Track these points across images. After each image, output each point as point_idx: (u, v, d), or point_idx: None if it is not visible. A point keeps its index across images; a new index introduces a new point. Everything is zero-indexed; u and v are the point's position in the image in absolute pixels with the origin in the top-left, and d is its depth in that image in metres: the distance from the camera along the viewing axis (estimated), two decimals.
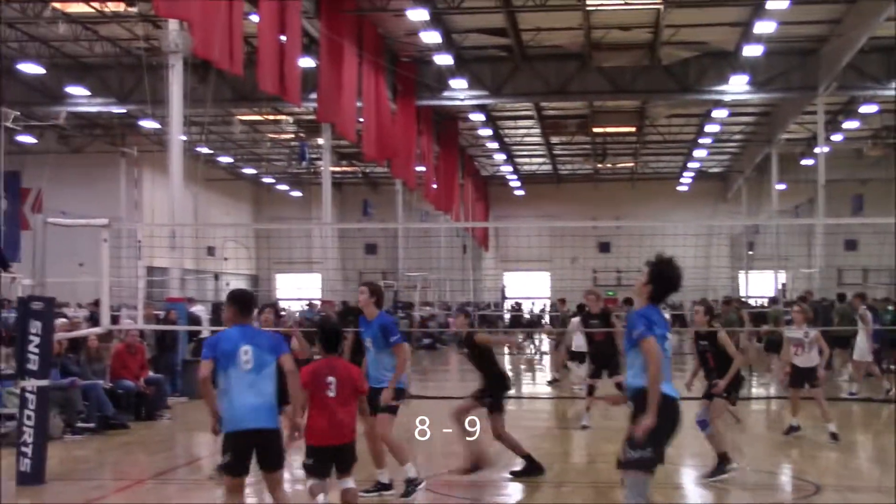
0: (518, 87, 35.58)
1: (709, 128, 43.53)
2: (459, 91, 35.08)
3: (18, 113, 33.81)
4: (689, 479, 12.32)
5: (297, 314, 33.56)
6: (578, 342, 24.98)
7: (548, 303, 48.34)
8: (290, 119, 41.86)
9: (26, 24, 30.32)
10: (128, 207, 39.26)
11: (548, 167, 56.90)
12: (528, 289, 57.01)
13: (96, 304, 22.21)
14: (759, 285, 49.01)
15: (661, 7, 28.76)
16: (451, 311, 46.03)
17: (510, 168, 55.28)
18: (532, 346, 37.77)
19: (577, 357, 24.65)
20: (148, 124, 37.68)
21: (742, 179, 54.10)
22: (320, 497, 8.87)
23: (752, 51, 31.15)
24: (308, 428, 8.77)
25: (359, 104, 29.92)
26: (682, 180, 58.29)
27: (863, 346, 21.46)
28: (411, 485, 10.67)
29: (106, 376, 17.12)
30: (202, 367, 8.15)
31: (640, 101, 39.65)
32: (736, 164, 55.68)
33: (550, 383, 25.66)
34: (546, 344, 37.67)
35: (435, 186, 42.53)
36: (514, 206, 60.50)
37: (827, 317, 25.74)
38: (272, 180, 56.88)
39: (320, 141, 37.91)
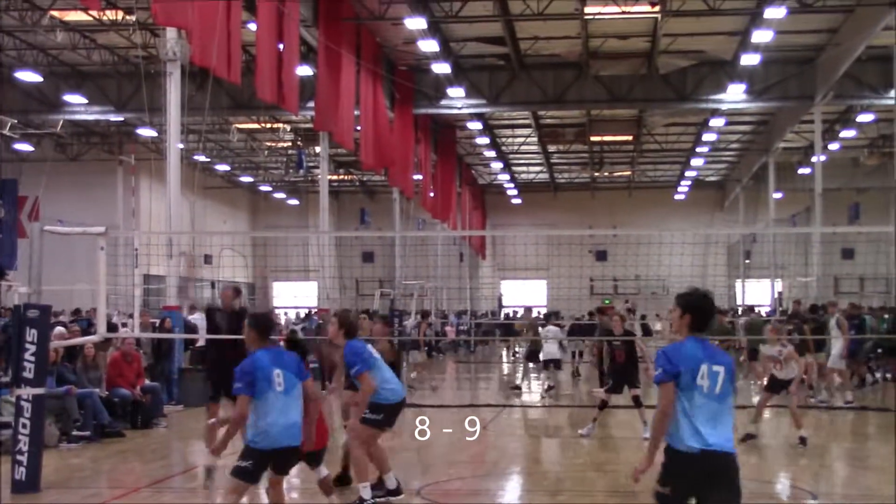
0: (516, 96, 35.62)
1: (706, 136, 43.58)
2: (457, 99, 35.10)
3: (16, 121, 33.90)
4: None
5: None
6: (550, 350, 25.14)
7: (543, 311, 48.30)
8: (288, 127, 41.87)
9: (24, 32, 30.34)
10: (125, 215, 39.25)
11: (545, 176, 56.94)
12: (525, 297, 56.99)
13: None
14: (756, 294, 49.01)
15: (659, 16, 28.79)
16: (447, 320, 46.08)
17: (507, 176, 55.32)
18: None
19: (551, 364, 24.86)
20: (145, 132, 37.71)
21: (739, 188, 54.15)
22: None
23: (750, 60, 31.20)
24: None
25: (356, 112, 29.93)
26: (679, 189, 58.32)
27: (836, 353, 21.62)
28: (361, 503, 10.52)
29: (102, 384, 17.10)
30: (242, 406, 8.52)
31: (637, 109, 39.70)
32: (733, 172, 55.74)
33: (513, 388, 25.69)
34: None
35: (432, 195, 42.54)
36: (511, 214, 60.52)
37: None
38: (269, 188, 56.89)
39: (318, 149, 37.86)
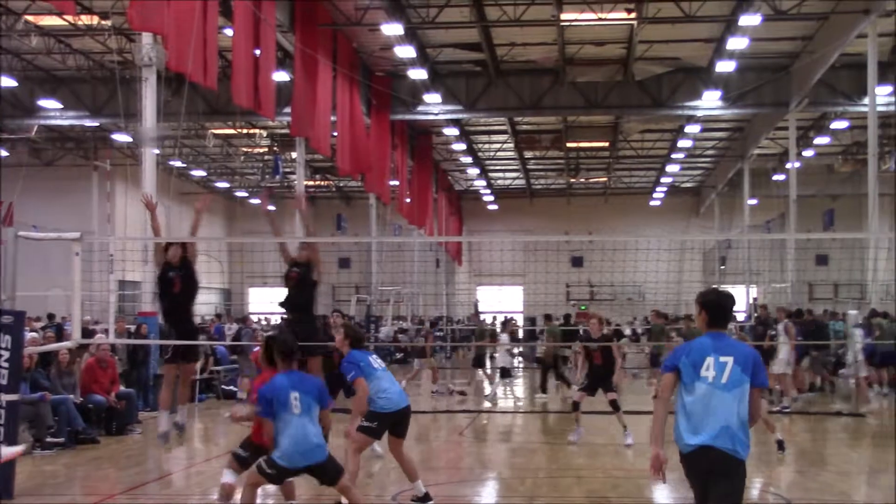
0: (492, 102, 35.66)
1: (681, 143, 43.75)
2: (434, 105, 35.13)
3: None
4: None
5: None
6: (505, 359, 25.27)
7: (521, 317, 48.40)
8: (264, 133, 41.81)
9: None
10: (100, 221, 39.05)
11: (521, 182, 57.03)
12: (502, 303, 57.00)
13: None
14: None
15: (635, 23, 28.90)
16: (423, 326, 46.06)
17: (484, 182, 55.37)
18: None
19: (505, 374, 24.99)
20: (121, 138, 37.56)
21: (714, 194, 54.37)
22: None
23: (725, 67, 31.36)
24: (255, 427, 9.52)
25: (333, 118, 29.91)
26: (654, 195, 58.50)
27: (782, 358, 21.89)
28: None
29: (76, 391, 17.01)
30: (267, 429, 9.06)
31: (613, 116, 39.84)
32: (708, 179, 55.96)
33: (459, 394, 25.69)
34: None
35: (408, 201, 42.54)
36: (487, 220, 60.58)
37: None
38: (245, 194, 56.74)
39: (294, 155, 37.84)
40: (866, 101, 29.62)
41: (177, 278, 12.97)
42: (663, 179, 54.59)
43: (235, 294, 56.57)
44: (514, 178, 56.47)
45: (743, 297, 46.03)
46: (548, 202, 60.01)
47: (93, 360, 17.51)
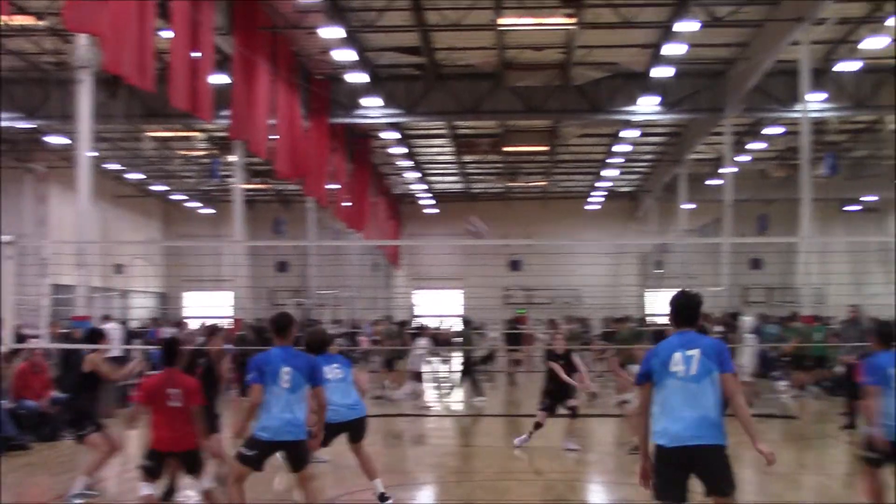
0: (431, 106, 35.69)
1: (619, 148, 44.04)
2: (373, 109, 35.10)
3: None
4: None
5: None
6: (417, 362, 25.38)
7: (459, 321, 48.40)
8: (202, 136, 41.50)
9: None
10: (34, 224, 38.60)
11: (460, 185, 57.12)
12: (440, 307, 57.05)
13: None
14: (667, 304, 49.57)
15: (573, 28, 29.08)
16: (360, 330, 45.97)
17: (423, 186, 55.38)
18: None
19: (417, 377, 25.08)
20: (56, 140, 37.10)
21: (651, 199, 54.78)
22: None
23: (662, 72, 31.67)
24: (153, 435, 9.69)
25: (271, 121, 29.77)
26: (592, 199, 58.82)
27: None
28: None
29: (8, 396, 16.77)
30: (255, 393, 9.31)
31: (551, 120, 39.99)
32: (645, 183, 56.38)
33: (378, 398, 25.72)
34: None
35: (347, 204, 42.44)
36: (426, 224, 60.55)
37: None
38: (183, 197, 56.28)
39: (232, 158, 37.60)
40: (800, 107, 30.03)
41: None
42: (601, 184, 54.89)
43: (171, 298, 56.08)
44: (453, 182, 56.55)
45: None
46: (486, 206, 59.99)
47: (25, 365, 17.29)
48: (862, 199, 53.45)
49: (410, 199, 60.05)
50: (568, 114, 36.94)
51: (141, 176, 50.07)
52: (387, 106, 35.23)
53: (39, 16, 27.21)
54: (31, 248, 20.80)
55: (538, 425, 16.32)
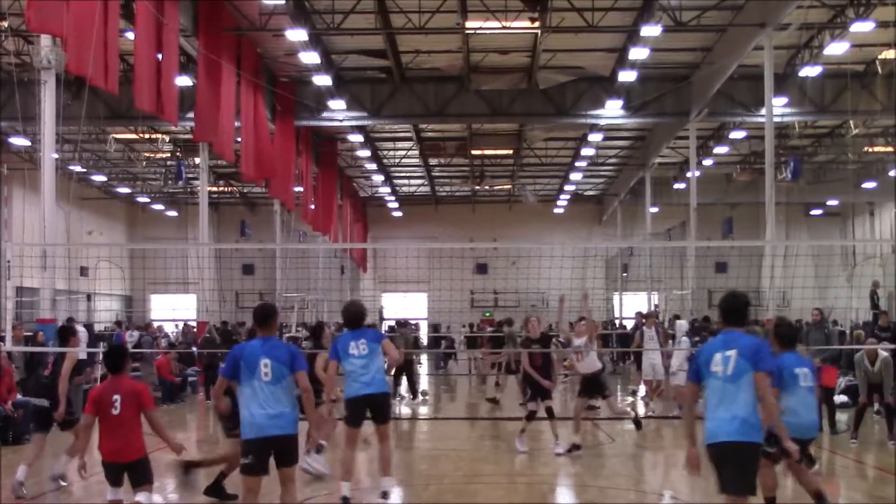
0: (397, 109, 35.68)
1: (584, 151, 44.14)
2: (338, 112, 35.05)
3: None
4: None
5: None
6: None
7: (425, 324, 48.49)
8: (167, 138, 41.32)
9: None
10: None
11: (426, 189, 57.14)
12: (406, 310, 56.99)
13: None
14: (633, 307, 49.86)
15: (538, 32, 29.17)
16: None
17: (388, 189, 55.34)
18: None
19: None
20: (18, 141, 36.81)
21: (617, 202, 54.97)
22: None
23: (627, 76, 31.81)
24: (99, 445, 9.46)
25: (237, 124, 29.69)
26: (558, 203, 58.96)
27: (646, 364, 22.50)
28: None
29: None
30: (219, 384, 9.39)
31: (517, 124, 40.04)
32: (611, 187, 56.56)
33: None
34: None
35: (313, 207, 42.36)
36: (392, 227, 60.54)
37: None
38: (147, 199, 55.98)
39: (197, 160, 37.44)
40: (763, 111, 30.24)
41: None
42: (567, 187, 55.02)
43: (137, 301, 55.77)
44: (419, 185, 56.57)
45: (644, 304, 46.69)
46: (452, 209, 60.18)
47: None
48: (826, 203, 53.86)
49: (377, 202, 60.01)
50: (533, 117, 37.03)
51: (105, 178, 49.77)
52: (352, 109, 35.19)
53: (1, 16, 27.00)
54: None
55: (530, 415, 16.39)
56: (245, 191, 55.29)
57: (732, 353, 7.71)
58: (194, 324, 34.92)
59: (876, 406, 19.30)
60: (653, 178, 46.18)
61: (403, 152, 47.51)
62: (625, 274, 53.44)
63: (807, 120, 37.69)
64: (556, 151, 47.29)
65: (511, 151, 45.86)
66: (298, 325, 41.88)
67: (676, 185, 49.18)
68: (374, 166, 47.89)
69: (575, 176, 51.13)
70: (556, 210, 59.61)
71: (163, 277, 45.25)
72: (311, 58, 29.59)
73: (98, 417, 9.48)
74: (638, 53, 29.30)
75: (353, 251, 53.99)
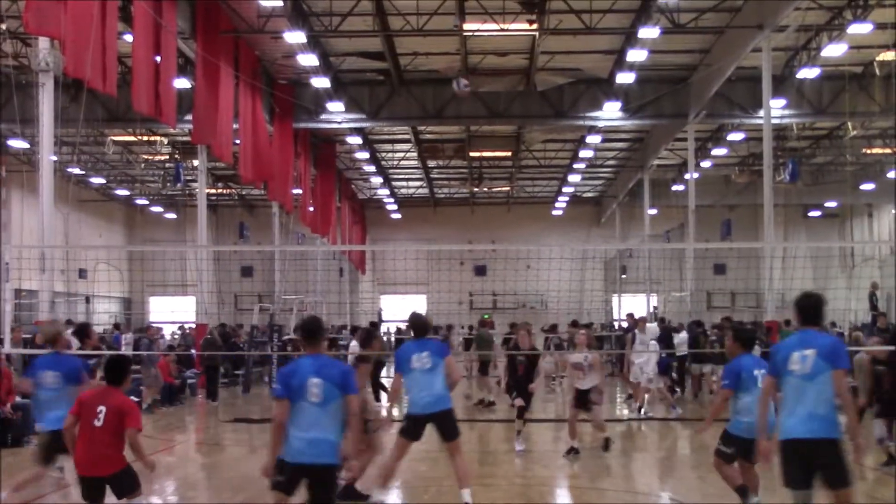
0: (395, 111, 35.68)
1: (583, 153, 44.16)
2: (337, 114, 35.05)
3: None
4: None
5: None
6: None
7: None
8: (165, 140, 41.31)
9: None
10: None
11: (424, 191, 57.14)
12: (405, 312, 56.96)
13: None
14: (631, 308, 49.86)
15: (536, 34, 29.17)
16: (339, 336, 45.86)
17: (387, 191, 55.35)
18: None
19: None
20: (17, 144, 36.82)
21: (615, 204, 54.97)
22: None
23: (625, 78, 31.82)
24: (75, 458, 9.09)
25: (235, 126, 29.69)
26: (556, 204, 58.98)
27: (643, 367, 22.52)
28: None
29: None
30: (278, 409, 8.14)
31: (515, 125, 40.07)
32: (609, 189, 56.60)
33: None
34: None
35: (312, 209, 42.35)
36: (390, 229, 60.56)
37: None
38: (146, 202, 55.97)
39: (196, 162, 37.47)
40: (761, 113, 30.24)
41: None
42: (565, 189, 55.03)
43: (136, 303, 55.78)
44: (418, 187, 56.57)
45: (643, 306, 46.70)
46: (451, 211, 60.21)
47: None
48: (824, 204, 53.89)
49: (375, 203, 60.02)
50: (532, 119, 37.04)
51: (103, 180, 49.77)
52: (350, 111, 35.19)
53: None
54: None
55: (520, 412, 16.49)
56: (244, 193, 55.31)
57: (811, 352, 7.97)
58: (192, 326, 34.91)
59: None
60: (651, 180, 46.19)
61: (402, 154, 47.53)
62: (623, 276, 53.45)
63: (805, 122, 37.70)
64: (554, 153, 47.32)
65: (509, 153, 45.85)
66: (297, 328, 41.88)
67: (675, 187, 49.20)
68: (372, 168, 47.92)
69: (573, 178, 51.16)
70: (555, 212, 59.64)
71: (161, 279, 45.39)
72: (309, 60, 29.59)
73: (79, 426, 9.11)
74: (636, 55, 29.31)
75: (351, 253, 53.98)
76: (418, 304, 57.21)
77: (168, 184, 48.26)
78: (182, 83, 28.12)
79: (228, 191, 54.22)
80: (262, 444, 18.05)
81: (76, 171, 42.20)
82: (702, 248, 39.06)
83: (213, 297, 36.33)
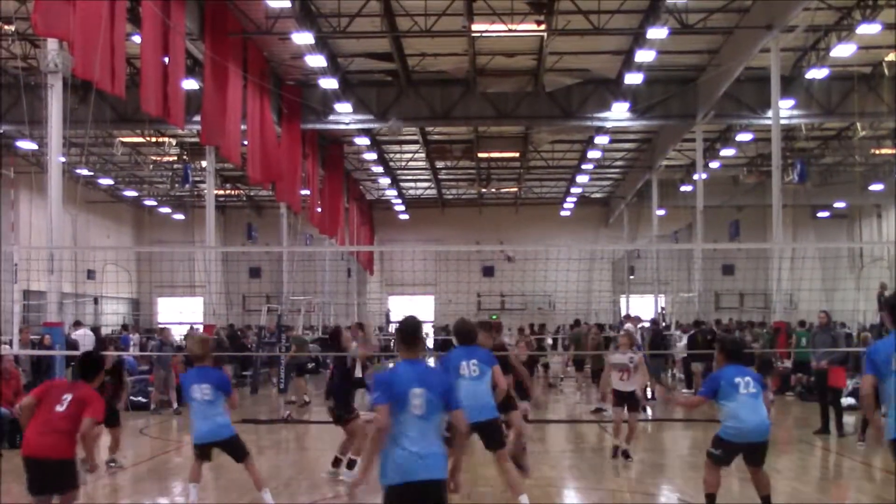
0: (403, 112, 35.68)
1: (591, 154, 44.14)
2: (345, 115, 35.07)
3: None
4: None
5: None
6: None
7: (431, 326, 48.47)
8: (174, 141, 41.34)
9: None
10: (4, 230, 38.32)
11: (432, 191, 57.15)
12: (413, 312, 56.95)
13: None
14: (639, 309, 49.83)
15: (545, 35, 29.15)
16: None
17: (395, 192, 55.38)
18: None
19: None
20: (26, 145, 36.88)
21: (623, 205, 54.95)
22: None
23: (633, 79, 31.77)
24: (25, 437, 9.07)
25: (243, 127, 29.71)
26: (564, 205, 58.93)
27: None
28: None
29: None
30: (381, 415, 7.13)
31: (523, 126, 40.05)
32: (617, 189, 56.56)
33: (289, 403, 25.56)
34: None
35: (320, 210, 42.36)
36: (398, 229, 60.58)
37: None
38: (154, 203, 56.05)
39: (204, 163, 37.50)
40: (770, 113, 30.21)
41: None
42: (573, 190, 55.02)
43: (144, 304, 55.85)
44: (426, 188, 56.57)
45: (651, 306, 46.66)
46: (459, 212, 60.21)
47: None
48: (833, 205, 53.79)
49: (383, 204, 60.05)
50: (539, 120, 37.02)
51: (112, 181, 49.83)
52: (358, 112, 35.21)
53: (8, 20, 27.04)
54: (1, 254, 20.67)
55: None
56: (252, 194, 55.38)
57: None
58: (200, 327, 34.93)
59: (883, 409, 19.27)
60: (659, 181, 46.13)
61: (410, 155, 47.56)
62: (631, 276, 53.42)
63: (813, 122, 37.61)
64: (562, 154, 47.29)
65: (517, 154, 45.85)
66: (306, 328, 41.90)
67: (683, 188, 49.15)
68: (380, 169, 47.93)
69: (581, 178, 51.12)
70: (563, 212, 59.58)
71: (169, 281, 45.39)
72: (317, 61, 29.61)
73: (39, 409, 9.06)
74: (644, 56, 29.28)
75: (359, 254, 53.99)
76: (426, 304, 57.35)
77: (176, 185, 48.34)
78: (190, 84, 28.16)
79: (237, 192, 54.28)
80: (269, 444, 18.13)
81: (85, 172, 42.32)
82: (710, 248, 39.02)
83: (222, 298, 36.36)
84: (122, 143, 41.02)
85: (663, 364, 27.58)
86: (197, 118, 28.77)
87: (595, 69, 33.89)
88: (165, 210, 57.27)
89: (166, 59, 23.60)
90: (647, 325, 33.11)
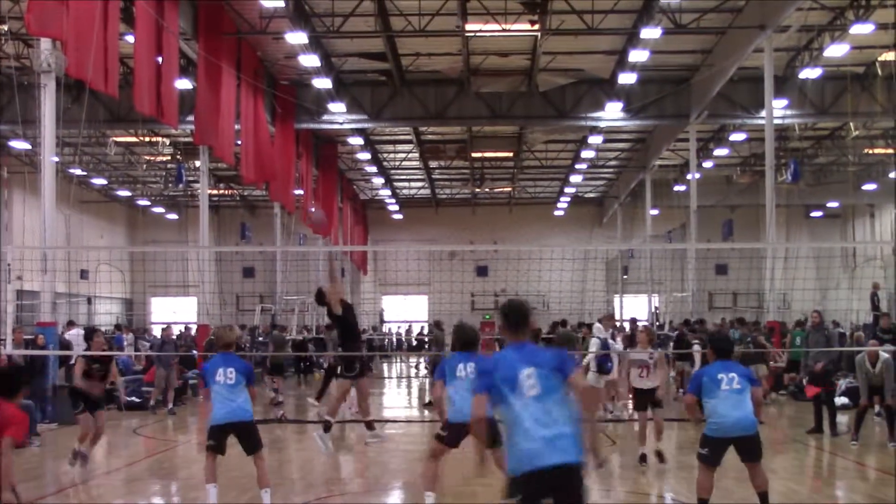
0: (397, 112, 35.68)
1: (584, 154, 44.16)
2: (339, 115, 35.05)
3: None
4: None
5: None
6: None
7: (426, 326, 48.44)
8: (167, 141, 41.30)
9: None
10: None
11: (426, 191, 57.13)
12: (407, 312, 57.06)
13: None
14: (633, 309, 49.88)
15: (538, 34, 29.17)
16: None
17: (389, 192, 55.35)
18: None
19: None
20: (19, 145, 36.84)
21: (617, 204, 54.96)
22: None
23: (627, 79, 31.82)
24: None
25: (237, 127, 29.69)
26: (558, 205, 58.96)
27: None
28: None
29: None
30: (478, 404, 6.73)
31: (517, 126, 40.06)
32: (611, 189, 56.57)
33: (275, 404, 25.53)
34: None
35: (313, 210, 42.28)
36: (392, 229, 60.56)
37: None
38: (147, 203, 55.98)
39: (197, 163, 37.48)
40: (763, 113, 30.24)
41: None
42: (567, 189, 55.02)
43: (137, 304, 55.76)
44: (420, 188, 56.56)
45: (645, 306, 46.71)
46: (453, 211, 60.21)
47: None
48: (826, 205, 53.88)
49: (377, 204, 60.03)
50: (533, 120, 37.02)
51: (105, 181, 49.77)
52: (352, 112, 35.20)
53: (1, 19, 27.00)
54: None
55: None
56: (245, 194, 55.33)
57: None
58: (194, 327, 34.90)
59: (877, 408, 19.38)
60: (653, 181, 46.18)
61: (403, 155, 47.53)
62: (625, 276, 53.46)
63: (807, 122, 37.67)
64: (556, 154, 47.30)
65: (511, 154, 45.86)
66: (300, 327, 41.88)
67: (676, 188, 49.18)
68: (374, 169, 47.92)
69: (575, 178, 51.15)
70: (557, 212, 59.60)
71: (163, 280, 45.31)
72: (311, 61, 29.59)
73: None
74: (638, 56, 29.32)
75: (353, 254, 53.95)
76: (420, 304, 57.34)
77: (170, 185, 48.28)
78: (184, 84, 28.12)
79: (230, 192, 54.23)
80: (264, 444, 18.06)
81: (78, 171, 42.22)
82: (703, 248, 39.04)
83: (215, 298, 36.32)
84: (116, 142, 40.98)
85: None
86: (190, 118, 28.72)
87: (589, 69, 33.91)
88: (159, 210, 57.20)
89: (160, 59, 23.57)
90: (625, 324, 32.96)
